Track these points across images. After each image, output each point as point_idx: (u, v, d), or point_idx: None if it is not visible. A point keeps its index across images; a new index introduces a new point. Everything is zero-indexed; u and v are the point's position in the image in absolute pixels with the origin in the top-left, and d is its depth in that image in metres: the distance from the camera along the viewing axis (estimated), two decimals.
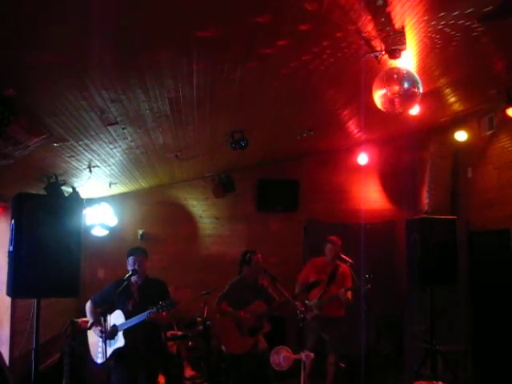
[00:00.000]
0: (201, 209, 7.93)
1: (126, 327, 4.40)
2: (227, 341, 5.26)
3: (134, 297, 4.57)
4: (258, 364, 5.02)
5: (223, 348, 5.41)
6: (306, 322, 5.35)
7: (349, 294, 5.73)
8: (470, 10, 3.32)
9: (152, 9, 2.55)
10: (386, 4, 3.03)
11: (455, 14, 3.32)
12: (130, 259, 4.61)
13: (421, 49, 3.93)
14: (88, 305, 4.66)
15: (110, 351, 4.41)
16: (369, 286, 5.55)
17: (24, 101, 3.31)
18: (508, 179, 6.07)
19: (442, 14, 3.32)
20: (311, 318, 5.47)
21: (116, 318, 4.47)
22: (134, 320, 4.36)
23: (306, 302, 5.75)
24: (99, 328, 4.33)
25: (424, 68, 4.35)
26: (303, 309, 5.22)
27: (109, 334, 4.38)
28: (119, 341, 4.42)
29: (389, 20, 3.28)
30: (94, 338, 4.62)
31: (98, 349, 4.59)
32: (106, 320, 4.19)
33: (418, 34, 3.60)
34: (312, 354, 4.11)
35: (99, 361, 4.58)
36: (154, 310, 4.28)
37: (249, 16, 2.88)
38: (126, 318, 4.43)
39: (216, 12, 2.74)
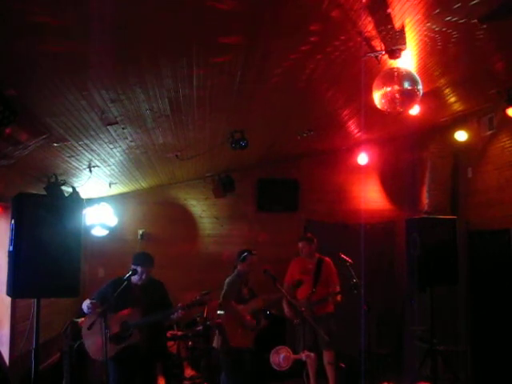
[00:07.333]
0: (201, 209, 7.92)
1: (141, 324, 4.47)
2: (232, 335, 5.23)
3: (137, 297, 4.59)
4: (252, 359, 5.13)
5: (231, 343, 5.38)
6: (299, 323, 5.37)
7: (338, 296, 5.80)
8: (470, 8, 3.32)
9: (151, 8, 2.55)
10: (385, 4, 3.03)
11: (455, 10, 3.33)
12: (139, 269, 4.60)
13: (421, 49, 3.93)
14: (85, 302, 4.57)
15: (120, 347, 4.45)
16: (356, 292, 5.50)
17: (24, 101, 3.31)
18: (508, 179, 6.07)
19: (438, 11, 3.32)
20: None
21: (129, 315, 4.51)
22: (155, 317, 4.47)
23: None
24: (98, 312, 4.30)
25: (424, 68, 4.35)
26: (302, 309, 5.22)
27: (120, 332, 4.45)
28: (133, 336, 4.47)
29: (389, 20, 3.28)
30: (94, 336, 4.49)
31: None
32: (105, 319, 4.18)
33: (418, 33, 3.60)
34: (313, 354, 4.11)
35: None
36: (185, 307, 4.44)
37: (248, 15, 2.88)
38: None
39: (215, 11, 2.74)
